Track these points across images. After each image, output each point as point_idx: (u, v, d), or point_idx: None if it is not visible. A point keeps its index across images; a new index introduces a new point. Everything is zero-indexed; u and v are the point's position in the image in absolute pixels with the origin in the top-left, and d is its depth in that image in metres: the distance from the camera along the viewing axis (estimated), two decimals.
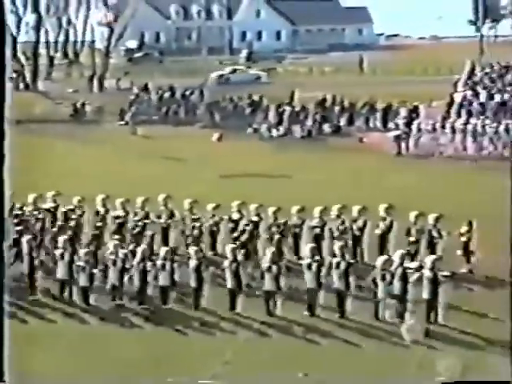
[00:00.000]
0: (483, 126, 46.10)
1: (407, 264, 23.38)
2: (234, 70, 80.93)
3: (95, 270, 23.62)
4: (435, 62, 74.95)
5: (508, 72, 63.15)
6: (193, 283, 23.38)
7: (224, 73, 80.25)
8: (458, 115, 50.47)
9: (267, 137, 51.82)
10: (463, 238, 26.04)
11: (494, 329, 21.61)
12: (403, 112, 51.32)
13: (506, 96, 54.85)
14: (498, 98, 54.11)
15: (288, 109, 54.67)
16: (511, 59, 67.27)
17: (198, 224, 26.88)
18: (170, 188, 29.35)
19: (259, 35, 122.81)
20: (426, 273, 23.04)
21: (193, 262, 23.54)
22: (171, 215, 27.24)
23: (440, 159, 43.60)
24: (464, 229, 25.93)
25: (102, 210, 27.28)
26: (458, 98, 53.92)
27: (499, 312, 22.00)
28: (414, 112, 51.23)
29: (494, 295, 24.22)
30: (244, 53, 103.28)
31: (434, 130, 46.83)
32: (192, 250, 24.17)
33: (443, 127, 46.72)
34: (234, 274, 23.43)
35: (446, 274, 23.95)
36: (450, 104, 52.76)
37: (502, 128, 45.67)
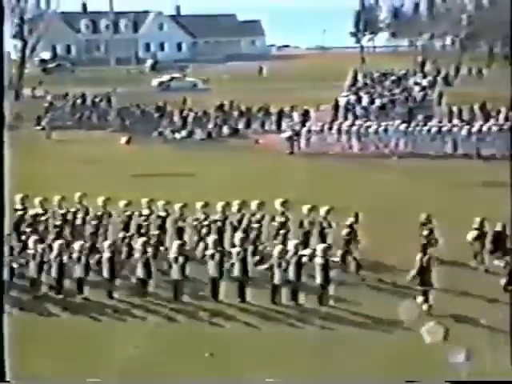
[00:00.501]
0: (366, 128, 46.65)
1: (301, 252, 23.54)
2: (172, 78, 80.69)
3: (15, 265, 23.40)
4: (322, 70, 75.56)
5: (386, 78, 64.09)
6: (106, 274, 23.34)
7: (164, 80, 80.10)
8: (344, 118, 51.06)
9: (171, 139, 51.67)
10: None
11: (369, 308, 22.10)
12: (295, 115, 51.68)
13: (385, 100, 55.69)
14: (378, 102, 54.89)
15: (191, 114, 54.53)
16: (388, 67, 68.34)
17: (111, 219, 26.76)
18: (84, 187, 29.00)
19: (162, 47, 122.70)
20: (318, 260, 23.25)
21: (106, 255, 23.42)
22: (86, 212, 26.96)
23: (328, 157, 43.93)
24: (351, 220, 26.16)
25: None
26: (342, 102, 54.51)
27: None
28: (304, 115, 51.58)
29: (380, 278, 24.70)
30: (149, 62, 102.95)
31: (322, 131, 47.24)
32: (106, 243, 24.03)
33: (330, 129, 47.17)
34: (145, 264, 23.36)
35: (335, 259, 24.24)
36: (336, 108, 53.29)
37: (381, 129, 46.31)
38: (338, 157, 44.03)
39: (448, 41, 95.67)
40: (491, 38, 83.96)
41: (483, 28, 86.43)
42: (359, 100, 55.83)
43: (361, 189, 35.39)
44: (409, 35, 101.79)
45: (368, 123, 47.51)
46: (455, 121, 48.16)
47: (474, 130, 45.27)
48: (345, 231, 25.64)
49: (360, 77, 63.81)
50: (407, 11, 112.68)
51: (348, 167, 41.34)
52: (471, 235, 25.64)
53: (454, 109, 51.30)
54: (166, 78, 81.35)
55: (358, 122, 47.72)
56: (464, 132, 45.22)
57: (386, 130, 46.34)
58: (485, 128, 45.37)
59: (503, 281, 22.44)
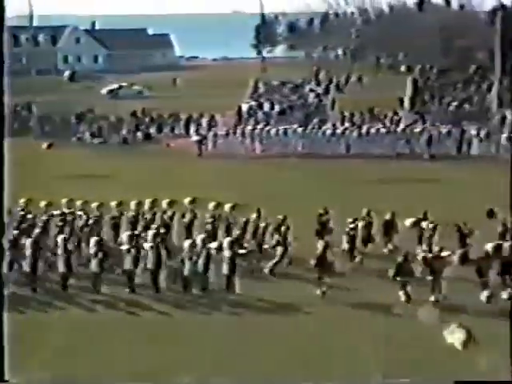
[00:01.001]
0: (267, 131, 46.91)
1: (209, 245, 23.53)
2: (121, 87, 79.40)
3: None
4: (227, 79, 75.44)
5: (285, 86, 64.36)
6: (27, 268, 23.18)
7: (113, 88, 78.79)
8: (247, 122, 51.14)
9: (89, 144, 51.07)
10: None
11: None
12: (203, 121, 51.55)
13: (284, 106, 56.00)
14: (277, 107, 55.16)
15: (107, 120, 54.00)
16: (287, 76, 68.64)
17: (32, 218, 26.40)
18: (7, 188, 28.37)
19: (79, 59, 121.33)
20: (225, 252, 23.29)
21: (28, 252, 23.18)
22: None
23: (234, 158, 43.92)
24: (255, 215, 26.32)
25: None
26: (245, 108, 54.59)
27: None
28: (211, 120, 51.49)
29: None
30: (67, 73, 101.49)
31: (228, 134, 47.32)
32: (28, 241, 23.68)
33: (235, 133, 47.29)
34: (66, 260, 23.13)
35: (242, 251, 24.22)
36: (239, 113, 53.34)
37: (281, 132, 46.62)
38: (243, 158, 44.09)
39: (340, 52, 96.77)
40: (377, 49, 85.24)
41: (370, 41, 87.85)
42: (260, 106, 55.97)
43: (264, 186, 35.53)
44: (305, 47, 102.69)
45: (269, 127, 47.85)
46: (347, 124, 48.70)
47: (364, 132, 46.03)
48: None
49: (261, 85, 63.92)
50: (303, 26, 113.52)
51: (252, 167, 41.47)
52: (361, 224, 26.13)
53: (346, 113, 51.85)
54: (114, 86, 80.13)
55: (259, 126, 47.97)
56: (355, 134, 45.90)
57: (285, 133, 46.74)
58: (373, 130, 46.14)
59: (391, 271, 22.76)
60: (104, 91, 78.56)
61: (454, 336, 18.76)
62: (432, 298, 22.04)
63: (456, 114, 53.34)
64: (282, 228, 25.39)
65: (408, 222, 26.20)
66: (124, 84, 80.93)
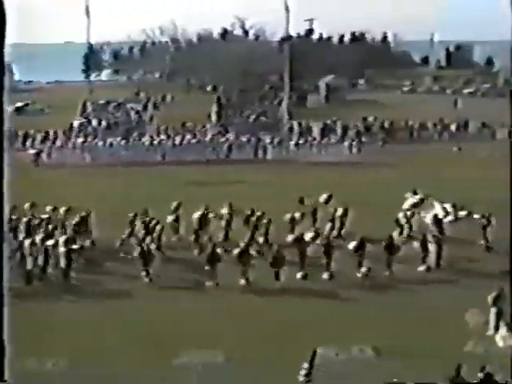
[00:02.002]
0: (95, 144, 46.62)
1: (47, 243, 23.35)
2: (27, 104, 74.69)
3: None
4: (62, 100, 73.60)
5: (110, 105, 63.78)
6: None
7: (19, 105, 73.72)
8: (78, 136, 50.41)
9: None
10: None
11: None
12: (38, 136, 50.26)
13: (110, 121, 55.60)
14: (104, 123, 54.72)
15: None
16: (112, 96, 67.86)
17: None
18: None
19: None
20: (61, 249, 23.25)
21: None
22: None
23: (66, 167, 43.18)
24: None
25: None
26: (76, 124, 53.76)
27: None
28: (46, 136, 50.30)
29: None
30: None
31: (62, 146, 46.71)
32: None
33: (67, 145, 46.79)
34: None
35: (75, 247, 24.06)
36: (71, 129, 52.49)
37: (107, 144, 46.46)
38: (74, 167, 43.45)
39: (156, 75, 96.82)
40: (188, 72, 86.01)
41: (182, 65, 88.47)
42: (89, 122, 55.30)
43: (93, 190, 35.21)
44: (126, 71, 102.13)
45: (96, 140, 47.55)
46: (162, 136, 48.98)
47: (177, 142, 46.54)
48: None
49: (89, 104, 63.05)
50: (125, 53, 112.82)
51: (82, 174, 40.94)
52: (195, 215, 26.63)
53: (162, 127, 52.11)
54: (20, 104, 75.75)
55: (88, 139, 47.61)
56: (170, 144, 46.34)
57: (111, 145, 46.58)
58: (185, 140, 46.74)
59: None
60: (10, 109, 74.35)
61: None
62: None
63: (254, 125, 54.76)
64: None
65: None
66: (28, 102, 76.80)
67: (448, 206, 27.40)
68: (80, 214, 26.41)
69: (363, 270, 23.17)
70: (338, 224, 27.48)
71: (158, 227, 25.64)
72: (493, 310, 19.37)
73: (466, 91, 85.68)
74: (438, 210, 27.28)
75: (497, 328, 19.23)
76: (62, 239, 23.64)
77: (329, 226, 27.23)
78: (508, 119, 55.17)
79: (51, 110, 67.96)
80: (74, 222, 25.92)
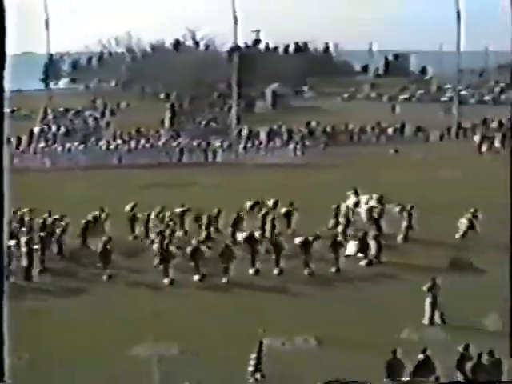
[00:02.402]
0: (55, 149, 46.12)
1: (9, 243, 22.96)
2: (13, 110, 72.52)
3: None
4: (22, 109, 72.56)
5: (68, 112, 63.11)
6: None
7: None
8: (39, 142, 49.70)
9: None
10: None
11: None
12: None
13: (69, 128, 54.97)
14: (63, 129, 54.02)
15: None
16: (70, 104, 67.16)
17: None
18: None
19: None
20: (23, 249, 23.04)
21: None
22: None
23: (29, 171, 42.40)
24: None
25: None
26: (36, 130, 52.99)
27: None
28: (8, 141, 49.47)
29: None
30: None
31: (24, 152, 46.21)
32: None
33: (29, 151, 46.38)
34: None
35: (36, 247, 23.79)
36: (31, 135, 51.68)
37: (66, 149, 45.95)
38: (35, 170, 42.73)
39: (112, 83, 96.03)
40: (142, 81, 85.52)
41: (137, 74, 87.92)
42: (49, 128, 54.58)
43: (52, 193, 34.65)
44: (84, 80, 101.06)
45: (56, 145, 46.95)
46: (119, 141, 48.56)
47: (133, 146, 46.26)
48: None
49: (49, 112, 62.26)
50: (83, 63, 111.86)
51: (42, 178, 40.28)
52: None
53: (118, 132, 51.61)
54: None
55: (48, 145, 46.93)
56: (125, 148, 45.99)
57: (69, 150, 46.03)
58: (140, 145, 46.47)
59: None
60: None
61: None
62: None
63: (205, 130, 54.72)
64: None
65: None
66: None
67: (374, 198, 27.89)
68: (43, 216, 26.07)
69: (307, 269, 23.32)
70: (285, 223, 27.57)
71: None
72: (428, 300, 19.52)
73: (401, 97, 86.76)
74: (362, 201, 27.83)
75: (432, 318, 19.42)
76: (23, 239, 23.29)
77: (278, 225, 27.23)
78: (440, 124, 56.48)
79: (13, 117, 66.74)
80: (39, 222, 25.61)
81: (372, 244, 24.48)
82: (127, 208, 27.46)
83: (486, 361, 15.25)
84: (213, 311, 20.11)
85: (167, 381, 16.20)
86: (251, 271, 23.16)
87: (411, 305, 19.66)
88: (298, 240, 23.86)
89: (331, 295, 21.50)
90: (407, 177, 37.64)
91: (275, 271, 23.20)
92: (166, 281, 22.36)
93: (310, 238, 23.69)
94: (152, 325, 18.86)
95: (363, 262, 24.18)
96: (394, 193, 29.30)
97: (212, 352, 17.23)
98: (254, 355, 15.76)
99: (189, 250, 23.09)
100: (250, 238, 24.14)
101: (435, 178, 37.53)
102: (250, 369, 15.72)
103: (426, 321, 19.53)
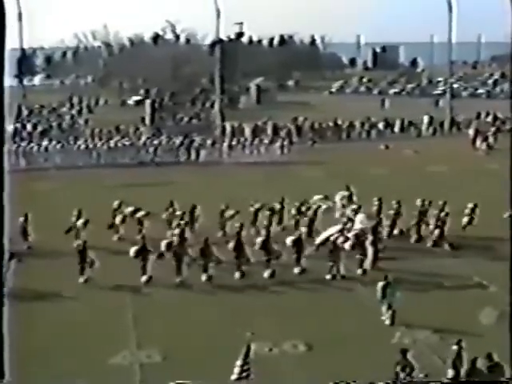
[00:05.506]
0: (31, 148, 45.70)
1: None
2: None
3: None
4: None
5: (44, 109, 62.89)
6: None
7: None
8: (13, 141, 49.31)
9: None
10: None
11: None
12: None
13: (45, 126, 54.75)
14: (39, 128, 53.81)
15: None
16: (45, 101, 66.97)
17: None
18: None
19: None
20: None
21: None
22: None
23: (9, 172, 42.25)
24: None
25: None
26: (10, 129, 52.59)
27: None
28: None
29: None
30: None
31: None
32: None
33: None
34: None
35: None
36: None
37: (42, 148, 45.66)
38: (9, 172, 42.41)
39: (89, 79, 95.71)
40: (120, 76, 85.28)
41: (114, 69, 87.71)
42: (24, 127, 54.34)
43: (25, 195, 34.47)
44: (60, 76, 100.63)
45: (31, 144, 46.57)
46: (97, 139, 48.40)
47: (112, 145, 46.08)
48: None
49: (24, 109, 62.04)
50: (57, 58, 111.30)
51: (17, 179, 39.87)
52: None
53: (96, 130, 51.46)
54: None
55: (23, 144, 46.52)
56: (105, 147, 45.81)
57: (46, 149, 45.71)
58: (119, 143, 46.27)
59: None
60: None
61: None
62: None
63: (187, 127, 54.63)
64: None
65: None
66: None
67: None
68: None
69: (298, 269, 23.42)
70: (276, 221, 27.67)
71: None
72: (384, 301, 19.59)
73: (391, 91, 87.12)
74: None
75: (393, 319, 19.36)
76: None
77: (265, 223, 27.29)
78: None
79: None
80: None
81: (369, 249, 24.48)
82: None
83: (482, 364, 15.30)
84: (193, 314, 20.13)
85: None
86: (237, 275, 23.18)
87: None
88: (289, 240, 23.92)
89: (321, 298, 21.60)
90: (398, 174, 37.87)
91: (265, 274, 23.29)
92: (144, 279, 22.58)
93: (301, 239, 23.90)
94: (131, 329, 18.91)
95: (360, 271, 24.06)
96: (384, 190, 29.48)
97: (196, 358, 17.26)
98: (239, 361, 15.71)
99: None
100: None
101: (427, 175, 37.81)
102: (235, 376, 15.63)
103: (387, 322, 19.63)
